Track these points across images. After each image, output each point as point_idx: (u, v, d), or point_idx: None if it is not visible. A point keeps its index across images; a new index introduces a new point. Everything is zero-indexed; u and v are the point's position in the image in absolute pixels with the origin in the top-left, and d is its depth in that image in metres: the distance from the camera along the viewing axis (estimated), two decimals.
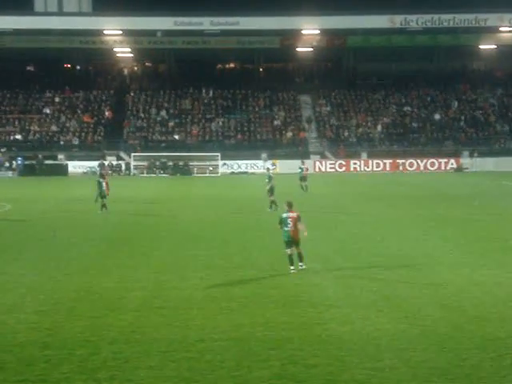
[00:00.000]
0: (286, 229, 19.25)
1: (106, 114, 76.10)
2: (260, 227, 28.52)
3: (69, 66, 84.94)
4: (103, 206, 33.53)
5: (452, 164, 70.12)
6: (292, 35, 76.89)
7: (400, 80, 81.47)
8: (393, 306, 15.64)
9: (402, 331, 13.81)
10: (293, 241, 19.21)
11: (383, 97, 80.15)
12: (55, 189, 51.40)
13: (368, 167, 69.84)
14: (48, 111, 76.01)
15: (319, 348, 12.82)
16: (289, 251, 19.28)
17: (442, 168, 69.72)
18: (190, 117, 76.34)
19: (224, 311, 15.27)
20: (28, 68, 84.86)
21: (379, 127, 75.34)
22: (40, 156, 66.92)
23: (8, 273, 19.39)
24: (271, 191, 34.75)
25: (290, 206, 19.65)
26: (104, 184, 33.68)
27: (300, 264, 19.37)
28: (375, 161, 70.12)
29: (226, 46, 77.52)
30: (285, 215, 19.35)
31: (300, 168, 45.02)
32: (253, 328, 14.04)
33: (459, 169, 69.11)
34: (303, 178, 44.44)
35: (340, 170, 69.48)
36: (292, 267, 19.20)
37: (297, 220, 19.27)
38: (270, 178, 35.46)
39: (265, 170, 40.01)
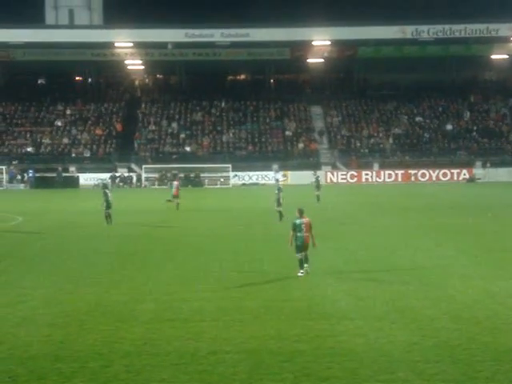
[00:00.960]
0: (299, 234, 20.11)
1: (117, 126, 76.39)
2: (271, 238, 28.45)
3: (80, 78, 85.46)
4: (108, 216, 33.70)
5: (464, 174, 69.88)
6: (302, 46, 76.97)
7: (411, 90, 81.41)
8: (406, 318, 15.53)
9: (415, 343, 13.69)
10: (305, 246, 20.08)
11: (395, 107, 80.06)
12: (66, 201, 51.54)
13: (380, 178, 69.69)
14: (59, 124, 76.36)
15: (332, 360, 12.73)
16: (299, 256, 20.24)
17: (455, 178, 69.48)
18: (201, 128, 76.54)
19: (236, 323, 15.20)
20: (39, 81, 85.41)
21: (391, 138, 75.24)
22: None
23: (20, 285, 19.41)
24: (278, 202, 34.77)
25: (301, 212, 20.54)
26: (110, 194, 33.93)
27: (305, 265, 20.17)
28: (387, 171, 69.98)
29: (236, 57, 77.72)
30: (298, 221, 20.24)
31: (318, 178, 45.97)
32: (265, 340, 13.96)
33: (472, 179, 68.84)
34: (317, 187, 44.64)
35: (352, 181, 69.34)
36: (301, 271, 20.16)
37: (309, 226, 20.18)
38: (279, 189, 35.49)
39: (275, 182, 40.14)
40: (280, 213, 34.15)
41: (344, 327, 14.84)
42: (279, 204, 34.68)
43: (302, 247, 20.03)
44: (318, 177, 47.84)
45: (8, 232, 32.25)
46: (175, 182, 43.62)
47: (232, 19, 75.53)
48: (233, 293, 18.15)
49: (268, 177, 68.19)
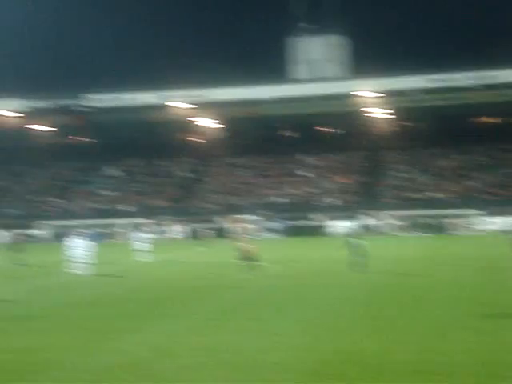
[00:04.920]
0: None
1: (361, 174, 76.89)
2: None
3: (324, 129, 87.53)
4: (361, 265, 33.79)
5: None
6: None
7: None
8: None
9: None
10: None
11: None
12: (316, 249, 52.35)
13: None
14: (306, 174, 78.57)
15: None
16: None
17: None
18: (448, 174, 74.56)
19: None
20: (285, 133, 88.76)
21: None
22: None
23: (278, 333, 19.59)
24: None
25: None
26: (362, 243, 34.18)
27: None
28: None
29: (485, 99, 74.86)
30: None
31: None
32: None
33: None
34: None
35: None
36: None
37: None
38: None
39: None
40: None
41: None
42: None
43: None
44: None
45: (261, 278, 33.27)
46: None
47: (478, 61, 73.22)
48: (492, 347, 16.91)
49: None
